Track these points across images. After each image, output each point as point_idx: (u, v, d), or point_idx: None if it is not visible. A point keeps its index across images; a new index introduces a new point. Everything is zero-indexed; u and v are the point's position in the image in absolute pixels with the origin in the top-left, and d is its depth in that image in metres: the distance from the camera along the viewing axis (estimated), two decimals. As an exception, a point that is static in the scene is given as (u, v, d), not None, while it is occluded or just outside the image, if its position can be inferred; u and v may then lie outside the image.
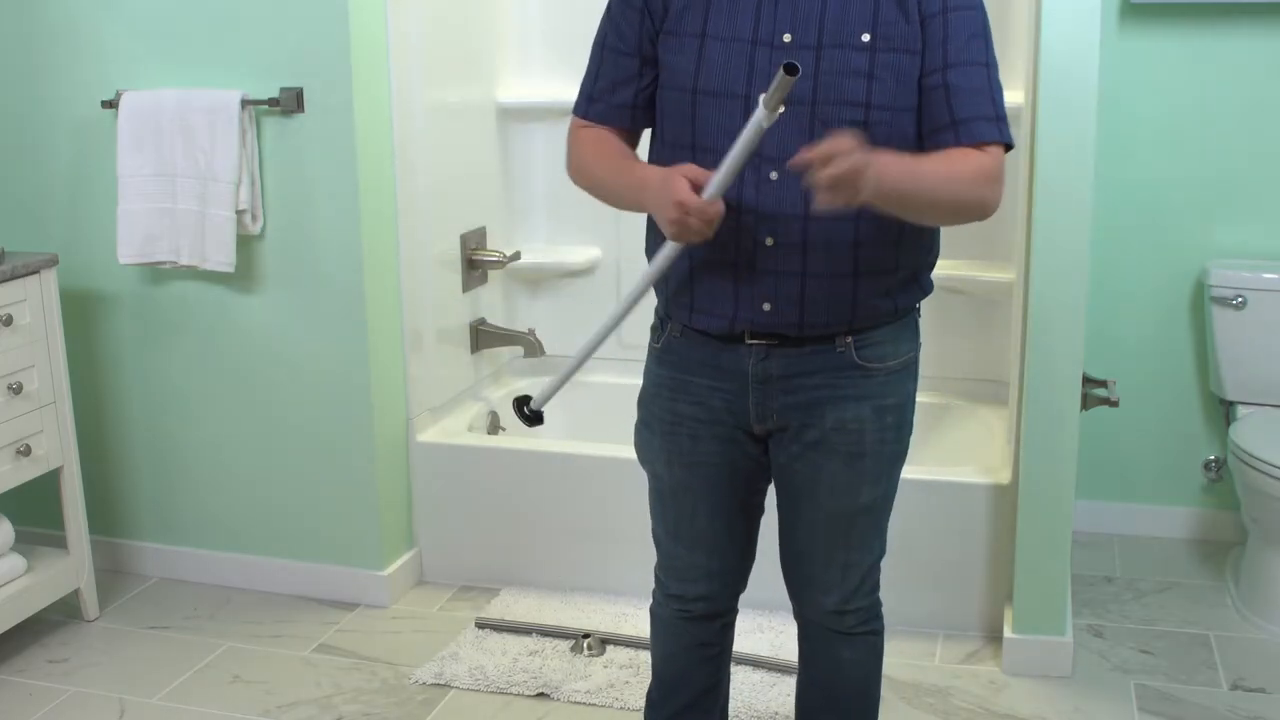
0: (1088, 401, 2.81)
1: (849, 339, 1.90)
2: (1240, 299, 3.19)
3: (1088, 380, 2.82)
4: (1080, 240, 2.62)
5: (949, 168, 1.80)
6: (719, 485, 2.01)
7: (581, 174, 2.01)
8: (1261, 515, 3.00)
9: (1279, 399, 3.23)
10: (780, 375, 1.91)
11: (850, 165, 1.64)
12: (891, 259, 1.89)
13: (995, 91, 1.85)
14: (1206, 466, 3.45)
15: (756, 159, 1.80)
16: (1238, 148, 3.25)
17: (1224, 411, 3.35)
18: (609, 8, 1.98)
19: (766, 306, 1.88)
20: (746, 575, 2.13)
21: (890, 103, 1.82)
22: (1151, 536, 3.50)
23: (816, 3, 1.82)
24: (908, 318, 1.98)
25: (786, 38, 1.82)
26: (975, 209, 1.84)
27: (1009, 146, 1.86)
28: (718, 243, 1.82)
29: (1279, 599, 2.99)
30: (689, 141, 1.88)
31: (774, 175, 1.83)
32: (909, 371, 1.98)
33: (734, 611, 2.17)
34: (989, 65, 1.85)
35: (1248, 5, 3.15)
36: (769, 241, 1.85)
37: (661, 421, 2.02)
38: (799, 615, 2.12)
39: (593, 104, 1.99)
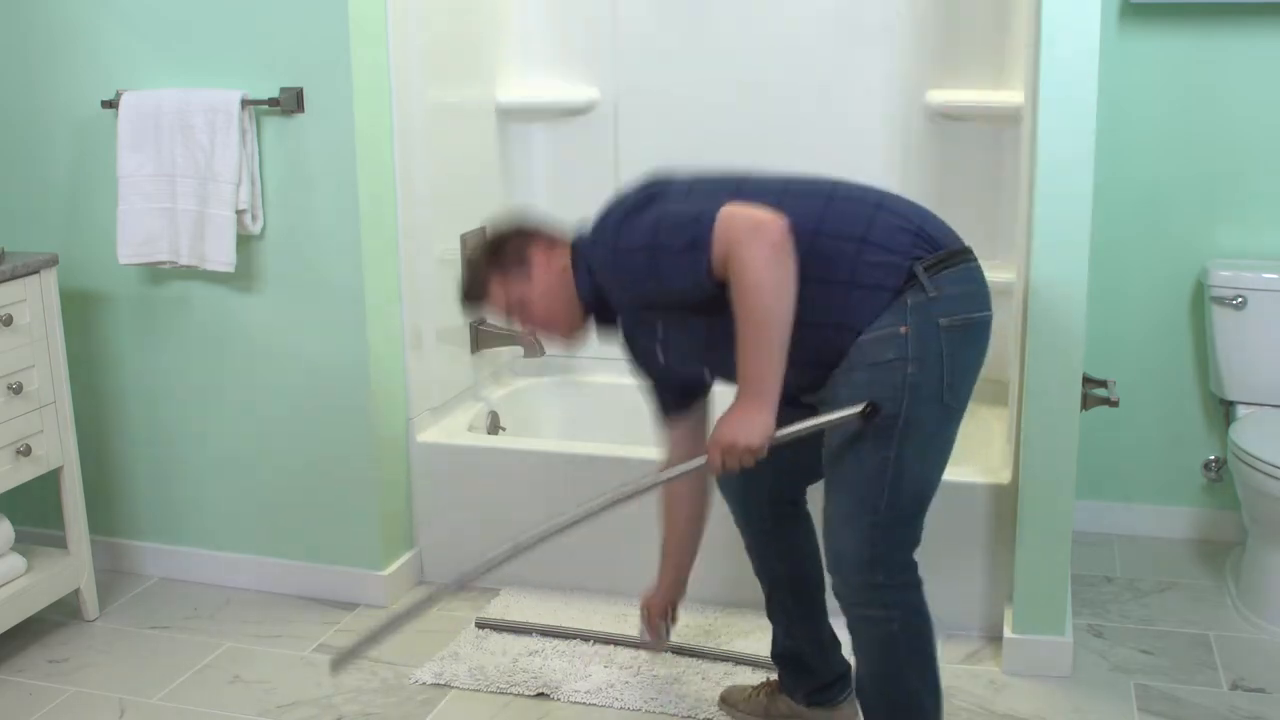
0: (1088, 401, 2.80)
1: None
2: (1240, 299, 3.19)
3: (1088, 380, 2.82)
4: (1080, 240, 2.62)
5: (746, 329, 2.00)
6: None
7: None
8: (1261, 515, 3.00)
9: (1279, 399, 3.23)
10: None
11: (719, 445, 2.05)
12: (822, 334, 2.07)
13: (664, 238, 2.05)
14: (1206, 466, 3.45)
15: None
16: (1238, 148, 3.25)
17: (1224, 411, 3.35)
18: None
19: None
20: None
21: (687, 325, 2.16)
22: (1151, 536, 3.50)
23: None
24: (886, 329, 2.08)
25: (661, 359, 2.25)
26: (769, 282, 1.98)
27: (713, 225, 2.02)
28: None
29: (1279, 599, 3.00)
30: None
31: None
32: (891, 365, 2.08)
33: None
34: (649, 247, 2.07)
35: (1248, 5, 3.15)
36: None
37: None
38: None
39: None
